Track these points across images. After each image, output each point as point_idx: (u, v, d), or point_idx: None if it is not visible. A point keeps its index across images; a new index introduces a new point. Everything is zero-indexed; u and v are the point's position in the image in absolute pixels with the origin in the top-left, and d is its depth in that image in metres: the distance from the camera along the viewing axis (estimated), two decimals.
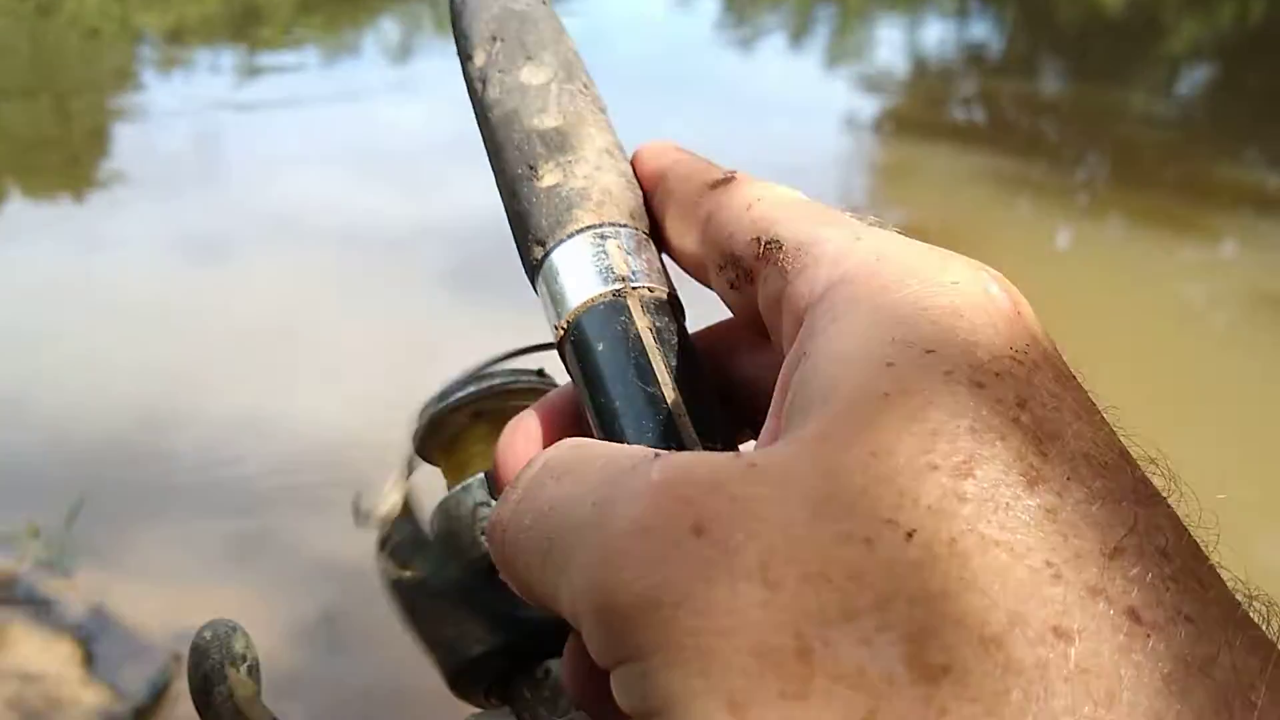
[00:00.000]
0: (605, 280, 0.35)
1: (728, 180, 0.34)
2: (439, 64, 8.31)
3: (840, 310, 0.26)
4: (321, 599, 2.57)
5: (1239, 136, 6.30)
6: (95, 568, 2.63)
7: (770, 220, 0.31)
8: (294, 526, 2.85)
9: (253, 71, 7.59)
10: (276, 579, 2.64)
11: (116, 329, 4.04)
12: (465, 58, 0.43)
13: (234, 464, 3.13)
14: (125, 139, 6.36)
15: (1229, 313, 4.37)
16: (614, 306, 0.34)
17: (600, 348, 0.34)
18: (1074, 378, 0.27)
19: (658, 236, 0.37)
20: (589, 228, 0.36)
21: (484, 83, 0.40)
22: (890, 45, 9.13)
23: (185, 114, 6.59)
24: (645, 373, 0.32)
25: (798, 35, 9.42)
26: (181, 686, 2.24)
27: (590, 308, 0.34)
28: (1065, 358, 0.28)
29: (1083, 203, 5.50)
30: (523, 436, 0.36)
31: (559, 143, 0.38)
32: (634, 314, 0.34)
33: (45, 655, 2.27)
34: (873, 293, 0.26)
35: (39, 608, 2.44)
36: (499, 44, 0.41)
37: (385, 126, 6.39)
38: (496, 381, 0.45)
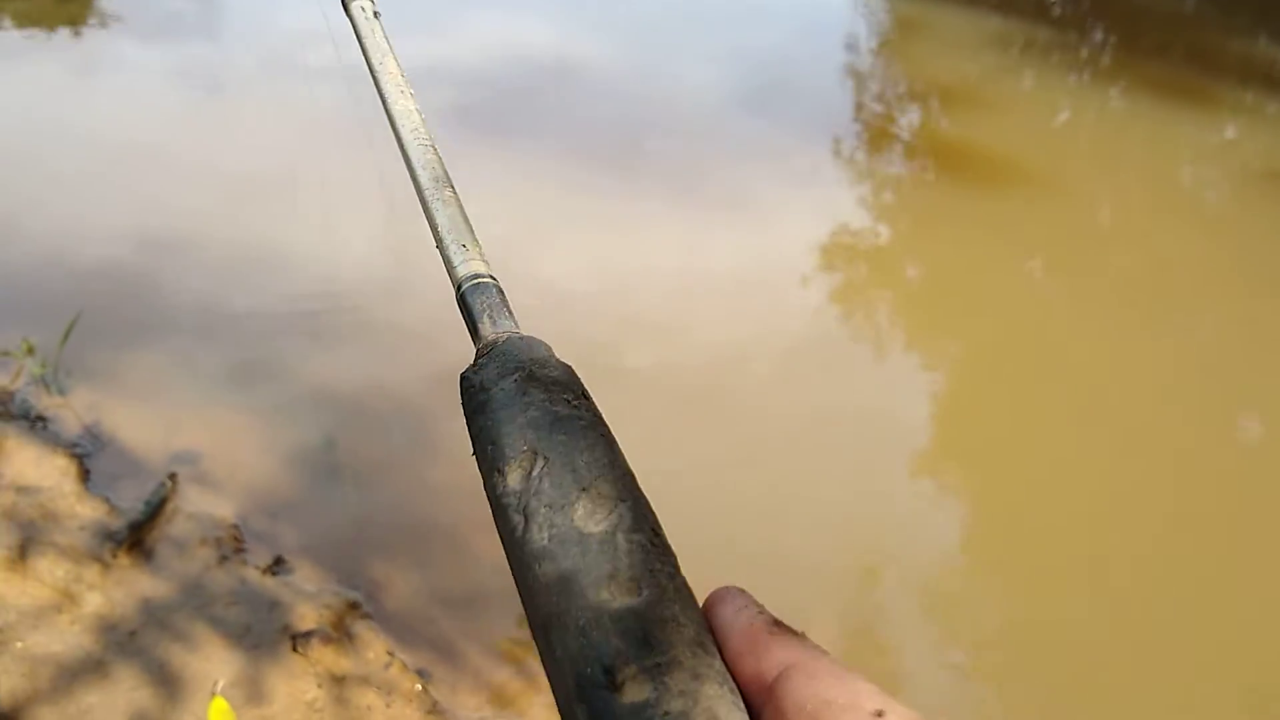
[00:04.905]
0: None
1: None
2: None
3: None
4: (320, 426, 2.48)
5: (1254, 10, 5.99)
6: (91, 387, 2.52)
7: None
8: (293, 354, 2.74)
9: None
10: (275, 405, 2.54)
11: (115, 157, 3.83)
12: (492, 470, 0.32)
13: (232, 292, 3.00)
14: None
15: (1225, 189, 4.21)
16: None
17: None
18: None
19: None
20: None
21: (525, 518, 0.30)
22: None
23: None
24: None
25: None
26: (177, 505, 2.17)
27: None
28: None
29: (1088, 72, 5.24)
30: None
31: (641, 634, 0.27)
32: None
33: (40, 469, 2.18)
34: None
35: (34, 423, 2.34)
36: (542, 463, 0.31)
37: None
38: None
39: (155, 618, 1.87)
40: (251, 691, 1.76)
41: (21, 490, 2.11)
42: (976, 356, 3.11)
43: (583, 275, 3.19)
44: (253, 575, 2.01)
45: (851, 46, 5.50)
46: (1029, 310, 3.26)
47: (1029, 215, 3.69)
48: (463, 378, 0.35)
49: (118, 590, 1.92)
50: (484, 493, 0.33)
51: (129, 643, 1.82)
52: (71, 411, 2.43)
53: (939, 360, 3.15)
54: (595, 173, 3.81)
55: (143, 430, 2.39)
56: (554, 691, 0.29)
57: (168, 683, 1.75)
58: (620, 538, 0.29)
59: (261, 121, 4.20)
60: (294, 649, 1.84)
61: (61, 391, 2.49)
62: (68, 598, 1.89)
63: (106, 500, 2.14)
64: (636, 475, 0.32)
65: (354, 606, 1.98)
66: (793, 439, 2.60)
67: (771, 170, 3.95)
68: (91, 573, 1.95)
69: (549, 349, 0.35)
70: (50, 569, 1.93)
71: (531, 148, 3.97)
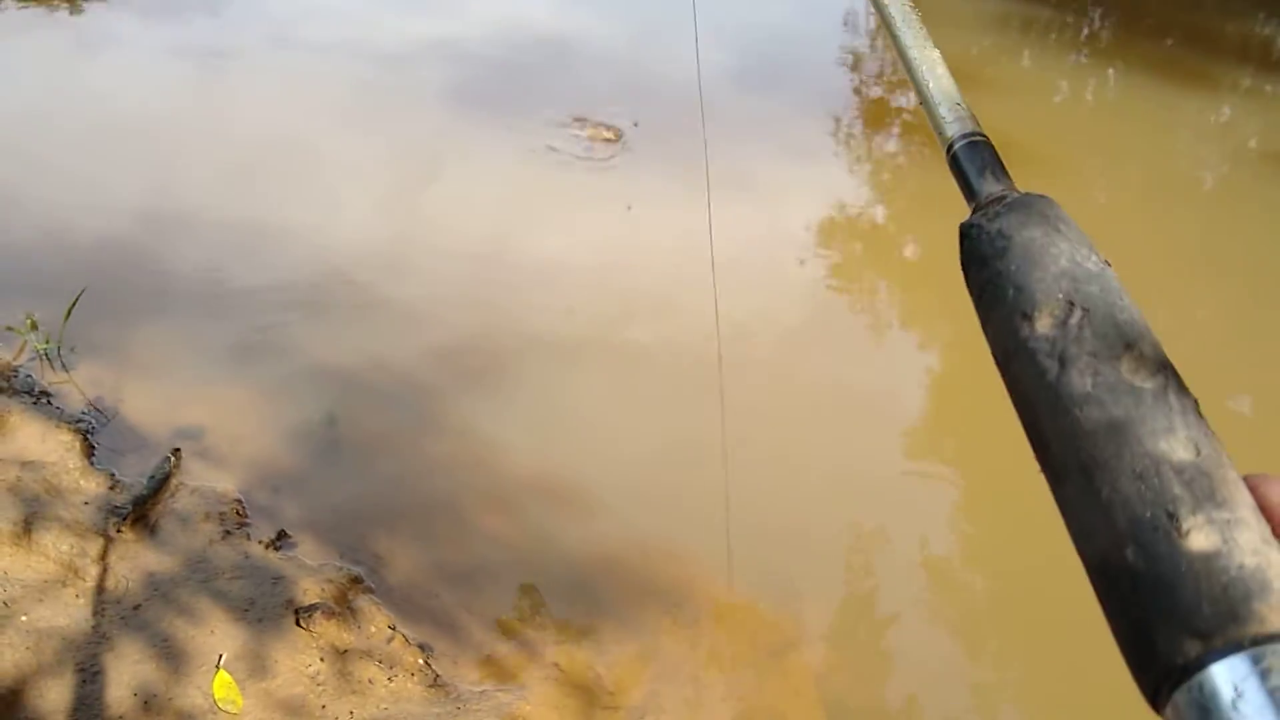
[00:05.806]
0: None
1: None
2: None
3: None
4: (322, 401, 2.48)
5: None
6: (95, 362, 2.51)
7: None
8: (295, 330, 2.73)
9: None
10: (277, 380, 2.54)
11: (118, 133, 3.80)
12: (1013, 314, 0.32)
13: (234, 268, 2.98)
14: None
15: (1222, 169, 4.19)
16: None
17: None
18: None
19: None
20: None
21: (1062, 363, 0.30)
22: None
23: None
24: None
25: None
26: (180, 480, 2.17)
27: None
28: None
29: (1087, 53, 5.21)
30: None
31: (1205, 489, 0.27)
32: None
33: (44, 444, 2.18)
34: None
35: (38, 398, 2.34)
36: (1079, 314, 0.31)
37: None
38: None
39: (159, 591, 1.88)
40: (255, 665, 1.77)
41: (26, 465, 2.11)
42: (971, 334, 3.11)
43: (583, 250, 3.18)
44: (256, 550, 2.01)
45: (849, 26, 5.46)
46: None
47: None
48: (972, 225, 0.35)
49: (122, 564, 1.92)
50: (986, 340, 0.32)
51: (133, 616, 1.82)
52: (75, 387, 2.42)
53: (934, 338, 3.15)
54: (594, 148, 3.79)
55: (146, 405, 2.39)
56: (1081, 538, 0.28)
57: (172, 656, 1.76)
58: (1173, 398, 0.29)
59: (263, 97, 4.17)
60: (297, 623, 1.85)
61: (65, 367, 2.48)
62: (72, 571, 1.89)
63: (110, 475, 2.14)
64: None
65: (356, 581, 1.98)
66: (790, 413, 2.60)
67: (769, 148, 3.93)
68: (96, 547, 1.95)
69: (1060, 208, 0.35)
70: (55, 543, 1.93)
71: (531, 124, 3.95)
